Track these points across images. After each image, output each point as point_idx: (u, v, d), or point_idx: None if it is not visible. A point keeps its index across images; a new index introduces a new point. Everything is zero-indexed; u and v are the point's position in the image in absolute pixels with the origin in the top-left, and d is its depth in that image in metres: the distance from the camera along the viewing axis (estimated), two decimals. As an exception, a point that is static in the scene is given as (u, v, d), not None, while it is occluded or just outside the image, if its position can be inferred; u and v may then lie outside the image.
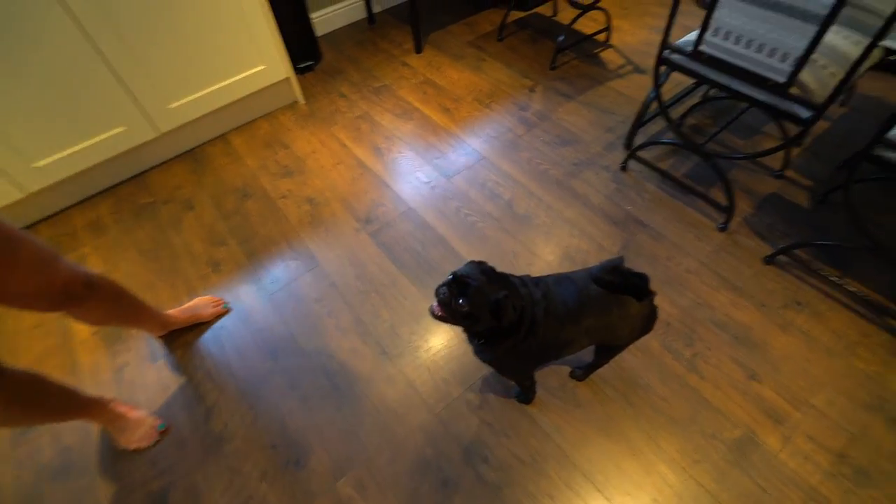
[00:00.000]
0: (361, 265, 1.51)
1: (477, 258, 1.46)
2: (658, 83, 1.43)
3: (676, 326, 1.30)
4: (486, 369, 1.26)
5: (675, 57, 1.36)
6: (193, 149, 1.97)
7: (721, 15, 1.18)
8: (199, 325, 1.41)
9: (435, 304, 0.88)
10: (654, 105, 1.51)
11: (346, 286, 1.46)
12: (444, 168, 1.80)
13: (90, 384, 1.31)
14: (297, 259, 1.55)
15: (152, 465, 1.16)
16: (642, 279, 0.86)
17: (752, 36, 1.15)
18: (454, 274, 0.85)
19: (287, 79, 2.02)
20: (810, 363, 1.22)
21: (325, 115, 2.07)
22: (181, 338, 1.38)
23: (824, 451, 1.08)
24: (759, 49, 1.15)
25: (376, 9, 2.72)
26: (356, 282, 1.47)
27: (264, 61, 1.88)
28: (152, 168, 1.90)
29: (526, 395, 1.17)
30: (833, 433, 1.11)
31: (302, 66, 2.28)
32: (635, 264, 1.45)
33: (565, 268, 1.45)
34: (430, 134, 1.94)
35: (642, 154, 1.75)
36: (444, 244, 1.55)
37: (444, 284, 0.86)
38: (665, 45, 1.35)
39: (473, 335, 0.94)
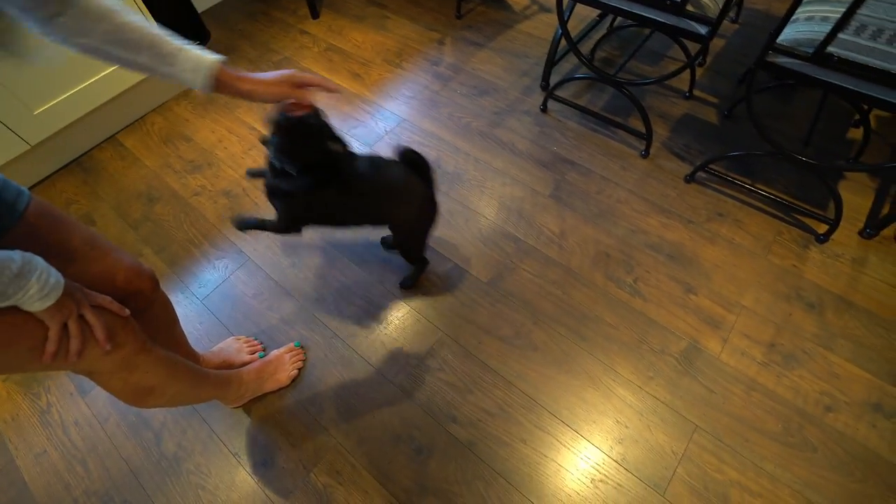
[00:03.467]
0: (294, 251, 1.43)
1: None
2: (563, 20, 1.42)
3: (615, 256, 1.35)
4: (440, 332, 1.25)
5: (576, -11, 1.34)
6: (80, 157, 1.75)
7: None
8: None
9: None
10: (564, 43, 1.50)
11: (283, 276, 1.39)
12: (364, 137, 1.72)
13: (14, 436, 1.17)
14: (223, 258, 1.44)
15: (110, 502, 1.08)
16: (419, 156, 1.00)
17: (646, -42, 1.15)
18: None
19: (173, 63, 1.82)
20: (736, 268, 1.31)
21: (226, 100, 1.90)
22: (109, 364, 1.26)
23: (757, 345, 1.18)
24: (654, -30, 1.16)
25: (261, -25, 2.49)
26: (292, 269, 1.40)
27: (142, 47, 1.67)
28: (35, 185, 1.68)
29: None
30: (762, 327, 1.21)
31: (188, 47, 2.06)
32: (569, 202, 1.47)
33: (503, 218, 1.45)
34: (344, 103, 1.84)
35: (560, 93, 1.76)
36: (377, 215, 1.49)
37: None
38: (564, -23, 1.32)
39: (279, 158, 0.91)
